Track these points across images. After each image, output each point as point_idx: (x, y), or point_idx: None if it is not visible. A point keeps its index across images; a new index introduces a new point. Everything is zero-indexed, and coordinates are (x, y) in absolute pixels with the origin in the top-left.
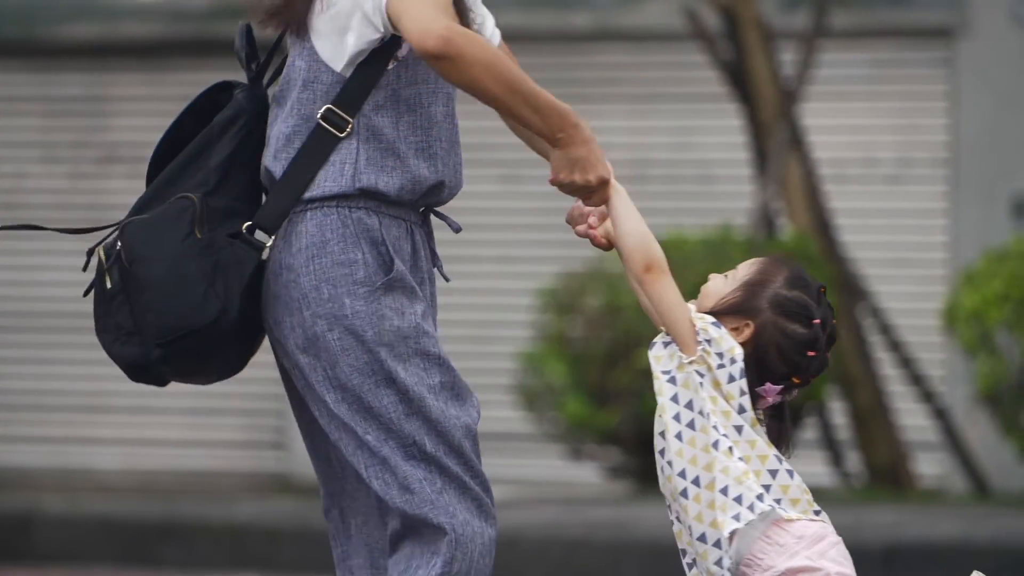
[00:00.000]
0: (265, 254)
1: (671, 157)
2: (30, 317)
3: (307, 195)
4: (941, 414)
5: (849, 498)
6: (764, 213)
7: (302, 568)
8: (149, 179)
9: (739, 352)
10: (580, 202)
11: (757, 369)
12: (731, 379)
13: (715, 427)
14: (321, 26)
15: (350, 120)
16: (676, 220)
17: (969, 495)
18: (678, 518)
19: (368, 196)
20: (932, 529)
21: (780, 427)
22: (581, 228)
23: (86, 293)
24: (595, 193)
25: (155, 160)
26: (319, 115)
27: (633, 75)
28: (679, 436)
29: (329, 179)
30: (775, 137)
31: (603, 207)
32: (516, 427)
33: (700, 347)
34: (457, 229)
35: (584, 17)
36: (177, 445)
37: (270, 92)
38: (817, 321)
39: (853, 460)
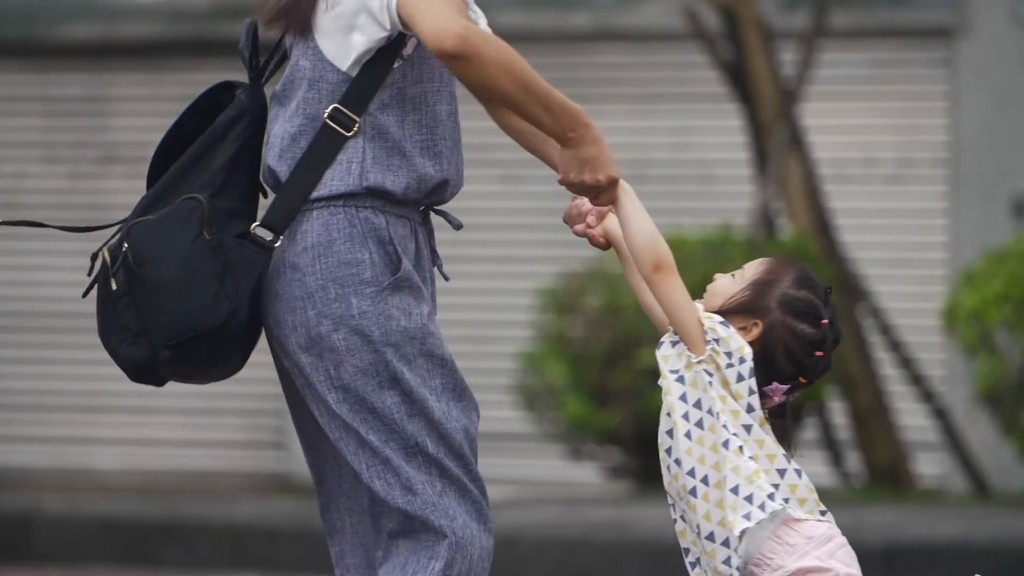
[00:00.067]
0: (274, 255)
1: (671, 157)
2: (30, 317)
3: (314, 195)
4: (941, 414)
5: (849, 498)
6: (764, 213)
7: (302, 568)
8: (150, 180)
9: (748, 351)
10: (578, 201)
11: (764, 368)
12: (740, 378)
13: (725, 426)
14: (326, 25)
15: (357, 119)
16: (676, 220)
17: (969, 495)
18: (682, 517)
19: (375, 195)
20: (932, 529)
21: (782, 426)
22: (580, 228)
23: (85, 294)
24: (604, 193)
25: (156, 160)
26: (326, 114)
27: (633, 75)
28: (688, 435)
29: (336, 178)
30: (775, 137)
31: (602, 206)
32: (516, 427)
33: (709, 346)
34: (458, 226)
35: (584, 17)
36: (177, 445)
37: (268, 90)
38: (825, 321)
39: (853, 460)
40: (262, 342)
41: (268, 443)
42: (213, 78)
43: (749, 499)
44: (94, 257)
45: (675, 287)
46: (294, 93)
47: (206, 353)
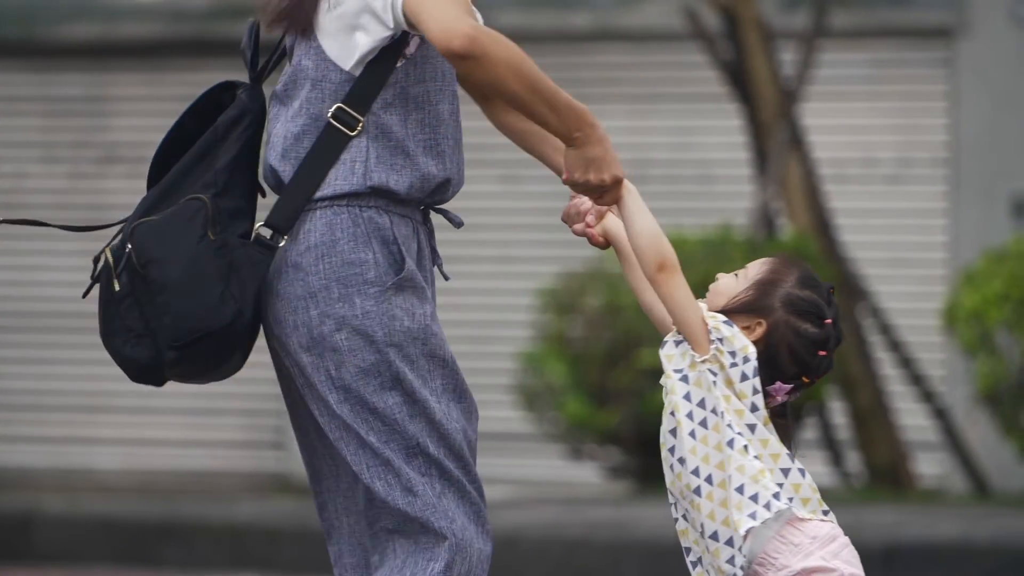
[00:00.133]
0: (278, 254)
1: (671, 157)
2: (30, 317)
3: (318, 194)
4: (941, 414)
5: (849, 498)
6: (764, 213)
7: (302, 568)
8: (151, 180)
9: (752, 351)
10: (576, 200)
11: (768, 368)
12: (744, 377)
13: (729, 425)
14: (328, 25)
15: (360, 118)
16: (676, 220)
17: (969, 495)
18: (684, 516)
19: (379, 195)
20: (932, 529)
21: (783, 426)
22: (579, 227)
23: (85, 294)
24: (608, 192)
25: (157, 160)
26: (329, 114)
27: (633, 75)
28: (692, 434)
29: (340, 178)
30: (775, 137)
31: (605, 206)
32: (516, 427)
33: (713, 345)
34: (459, 224)
35: (584, 17)
36: (177, 445)
37: (266, 89)
38: (829, 321)
39: (853, 460)
40: (261, 342)
41: (268, 443)
42: (213, 78)
43: (754, 498)
44: (96, 259)
45: (679, 286)
46: (297, 93)
47: (212, 353)
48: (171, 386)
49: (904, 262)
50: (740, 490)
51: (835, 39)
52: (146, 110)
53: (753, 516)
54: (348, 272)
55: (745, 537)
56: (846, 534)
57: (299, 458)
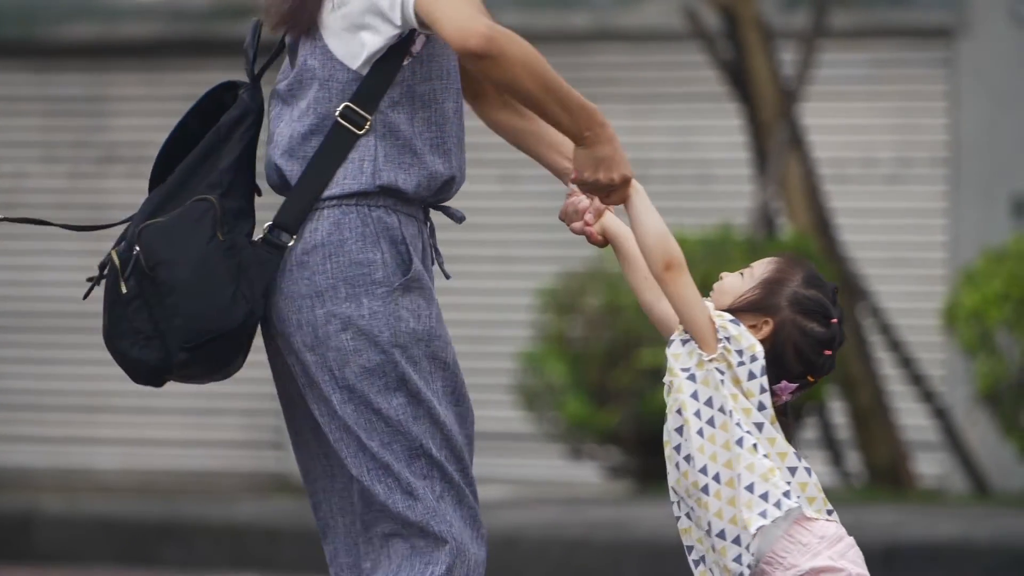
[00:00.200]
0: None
1: (671, 157)
2: (30, 317)
3: (325, 193)
4: (941, 414)
5: (849, 498)
6: (764, 213)
7: (302, 568)
8: (154, 180)
9: (759, 349)
10: (574, 198)
11: (773, 367)
12: (751, 376)
13: (738, 424)
14: (333, 24)
15: (368, 117)
16: (676, 220)
17: (969, 495)
18: (687, 515)
19: (387, 194)
20: (932, 529)
21: (785, 424)
22: (577, 225)
23: (86, 296)
24: (616, 192)
25: (160, 161)
26: (337, 113)
27: (633, 75)
28: (700, 432)
29: (349, 177)
30: (775, 137)
31: (598, 204)
32: (516, 427)
33: (720, 344)
34: (461, 219)
35: (584, 17)
36: (177, 445)
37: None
38: (835, 320)
39: (853, 460)
40: (258, 341)
41: (268, 443)
42: (213, 78)
43: (764, 497)
44: (103, 265)
45: (686, 285)
46: (303, 92)
47: (222, 354)
48: (171, 386)
49: (904, 262)
50: (750, 488)
51: (835, 39)
52: (146, 110)
53: (764, 514)
54: (356, 272)
55: (754, 535)
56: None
57: None
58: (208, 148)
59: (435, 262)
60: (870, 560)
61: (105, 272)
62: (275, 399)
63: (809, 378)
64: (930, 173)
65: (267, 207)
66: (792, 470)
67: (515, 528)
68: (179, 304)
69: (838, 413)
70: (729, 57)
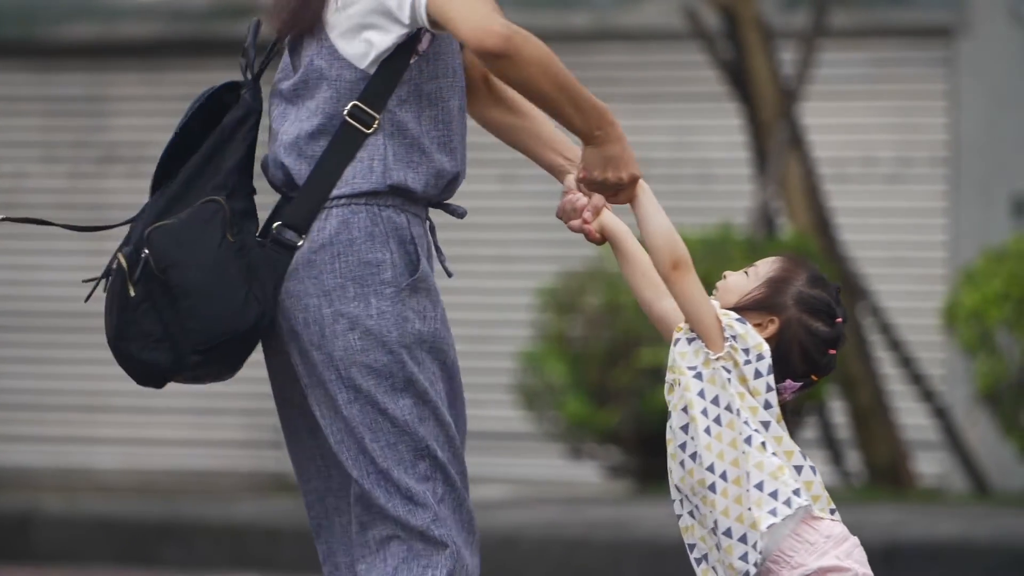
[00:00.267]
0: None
1: (671, 157)
2: (30, 317)
3: (334, 192)
4: (941, 413)
5: (849, 497)
6: (764, 212)
7: (302, 568)
8: (156, 181)
9: (766, 348)
10: (571, 196)
11: (778, 365)
12: (757, 375)
13: (746, 422)
14: (339, 24)
15: (376, 116)
16: (676, 220)
17: (969, 495)
18: (690, 513)
19: (396, 193)
20: (932, 529)
21: (787, 423)
22: (576, 223)
23: (87, 299)
24: (624, 191)
25: (163, 163)
26: (345, 112)
27: (633, 75)
28: (708, 430)
29: (358, 176)
30: (775, 137)
31: (596, 201)
32: (516, 427)
33: (727, 343)
34: (462, 214)
35: (584, 17)
36: (177, 445)
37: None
38: (840, 320)
39: (853, 459)
40: None
41: (268, 443)
42: (213, 78)
43: (774, 495)
44: (109, 272)
45: (693, 284)
46: (310, 92)
47: (234, 355)
48: (171, 386)
49: (904, 261)
50: (759, 486)
51: (835, 39)
52: (146, 110)
53: (774, 512)
54: (365, 272)
55: (764, 534)
56: None
57: None
58: (213, 149)
59: (439, 261)
60: (870, 560)
61: (112, 273)
62: None
63: (813, 377)
64: (930, 173)
65: (261, 207)
66: (798, 468)
67: (515, 528)
68: (194, 307)
69: (838, 412)
70: (729, 57)
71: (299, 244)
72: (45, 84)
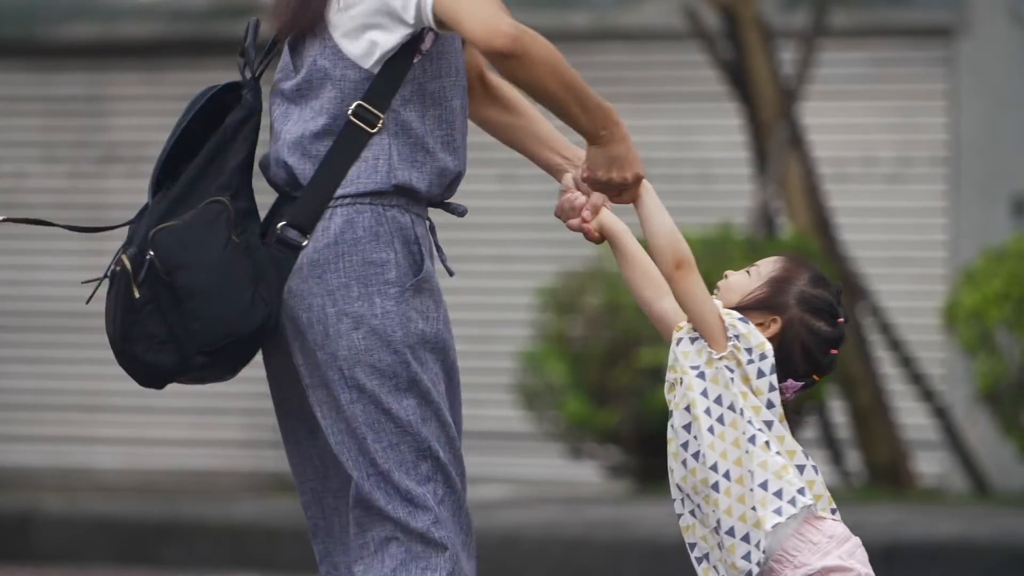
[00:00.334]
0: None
1: (671, 157)
2: (30, 317)
3: (338, 192)
4: (941, 413)
5: (849, 497)
6: (764, 212)
7: (302, 568)
8: (157, 181)
9: (769, 348)
10: (570, 195)
11: (780, 365)
12: (760, 374)
13: (750, 422)
14: (342, 25)
15: (381, 115)
16: (676, 220)
17: (969, 494)
18: (691, 512)
19: (401, 193)
20: (932, 528)
21: (789, 422)
22: (575, 222)
23: (88, 300)
24: (628, 191)
25: (162, 163)
26: (350, 112)
27: (633, 75)
28: (711, 430)
29: (363, 176)
30: (775, 136)
31: (595, 200)
32: (516, 426)
33: (730, 343)
34: (463, 213)
35: (584, 17)
36: (177, 445)
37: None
38: (842, 320)
39: (853, 459)
40: None
41: (268, 443)
42: (213, 78)
43: (779, 494)
44: (113, 275)
45: (696, 284)
46: (314, 92)
47: (240, 356)
48: (171, 386)
49: (904, 261)
50: (764, 486)
51: (835, 38)
52: (146, 110)
53: (779, 511)
54: (369, 271)
55: (768, 533)
56: None
57: None
58: (215, 150)
59: (440, 260)
60: (870, 559)
61: (116, 275)
62: None
63: (814, 376)
64: (930, 173)
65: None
66: (800, 468)
67: (515, 528)
68: (200, 308)
69: (838, 412)
70: (729, 57)
71: (303, 244)
72: (45, 84)
